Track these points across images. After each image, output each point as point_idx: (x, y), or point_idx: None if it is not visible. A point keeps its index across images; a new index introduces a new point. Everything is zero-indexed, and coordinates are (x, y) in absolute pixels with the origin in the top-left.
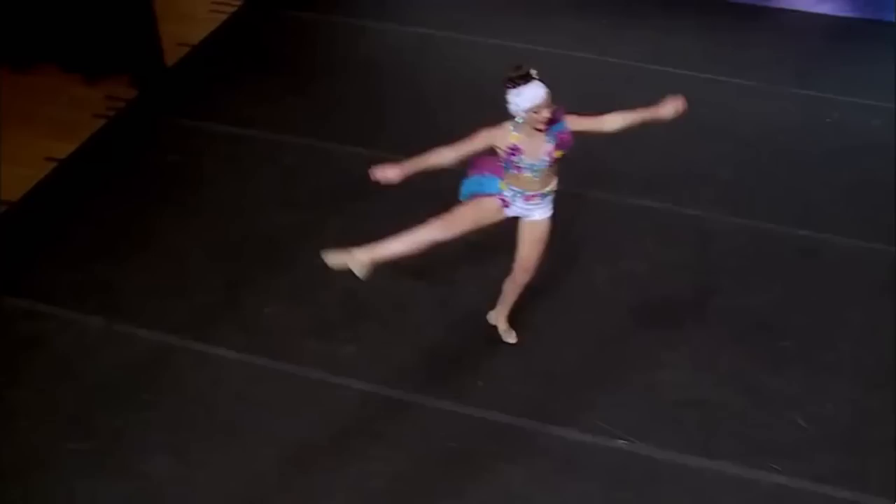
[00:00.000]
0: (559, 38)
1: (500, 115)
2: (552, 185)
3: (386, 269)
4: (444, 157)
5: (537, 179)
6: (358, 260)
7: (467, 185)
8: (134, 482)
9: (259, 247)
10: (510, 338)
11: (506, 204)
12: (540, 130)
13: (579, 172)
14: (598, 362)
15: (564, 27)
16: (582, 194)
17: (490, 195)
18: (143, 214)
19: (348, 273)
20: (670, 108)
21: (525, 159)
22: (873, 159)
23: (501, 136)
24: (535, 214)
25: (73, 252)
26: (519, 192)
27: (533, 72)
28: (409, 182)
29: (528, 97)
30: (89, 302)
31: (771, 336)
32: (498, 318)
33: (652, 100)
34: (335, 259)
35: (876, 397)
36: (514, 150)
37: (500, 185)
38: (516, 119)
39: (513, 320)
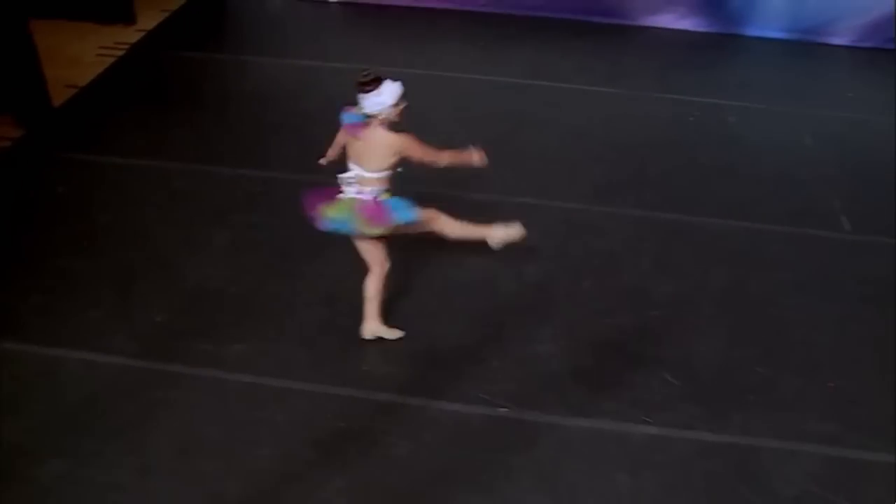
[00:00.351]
0: (436, 63)
1: None
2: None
3: (272, 274)
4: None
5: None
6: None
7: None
8: (26, 486)
9: (149, 263)
10: (394, 334)
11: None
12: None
13: (458, 176)
14: (477, 342)
15: (441, 52)
16: (459, 197)
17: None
18: (34, 242)
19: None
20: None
21: None
22: (731, 150)
23: (405, 140)
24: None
25: None
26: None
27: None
28: (292, 196)
29: (390, 93)
30: None
31: (641, 306)
32: (372, 326)
33: (528, 110)
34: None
35: (738, 353)
36: None
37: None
38: (380, 117)
39: (387, 320)
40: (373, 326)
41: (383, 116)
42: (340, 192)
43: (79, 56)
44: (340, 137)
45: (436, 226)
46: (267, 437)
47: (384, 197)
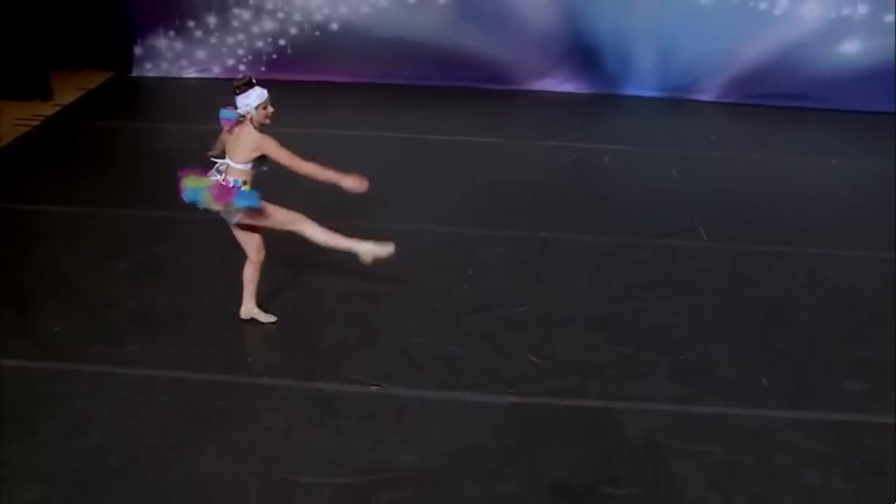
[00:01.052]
0: (331, 124)
1: None
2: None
3: (167, 291)
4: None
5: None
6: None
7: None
8: None
9: (52, 286)
10: (267, 318)
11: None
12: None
13: (349, 204)
14: (352, 333)
15: (337, 116)
16: (345, 221)
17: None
18: None
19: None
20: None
21: None
22: (604, 182)
23: (267, 139)
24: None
25: None
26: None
27: (252, 79)
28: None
29: (255, 96)
30: None
31: (508, 305)
32: (248, 308)
33: (417, 159)
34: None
35: (599, 337)
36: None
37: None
38: (249, 118)
39: (261, 305)
40: (248, 308)
41: (251, 116)
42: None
43: None
44: (223, 134)
45: (299, 227)
46: (153, 416)
47: (243, 187)
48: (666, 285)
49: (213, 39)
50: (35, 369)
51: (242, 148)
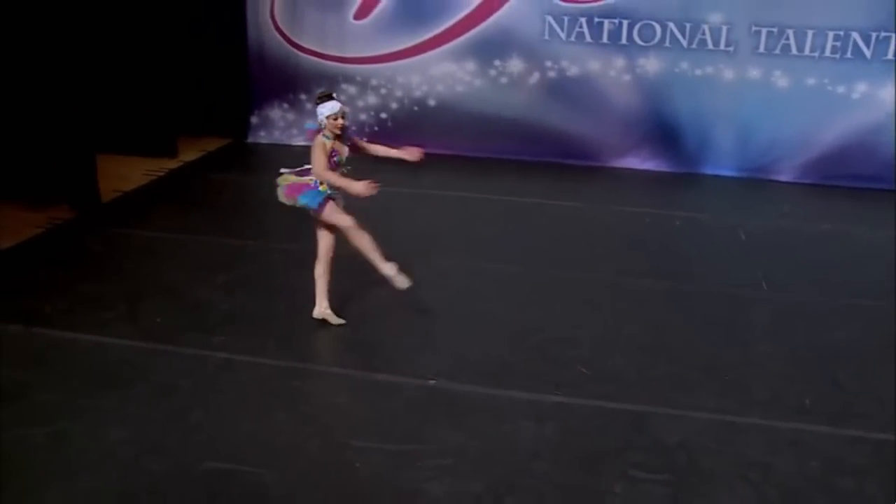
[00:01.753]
0: (427, 185)
1: None
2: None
3: (257, 296)
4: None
5: (346, 174)
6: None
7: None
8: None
9: (158, 289)
10: (337, 320)
11: (338, 203)
12: (338, 136)
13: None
14: (415, 339)
15: (432, 179)
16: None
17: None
18: (74, 277)
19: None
20: (413, 153)
21: (339, 157)
22: (675, 239)
23: (324, 145)
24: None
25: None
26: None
27: (334, 94)
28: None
29: (327, 108)
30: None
31: (566, 329)
32: (322, 309)
33: (498, 216)
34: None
35: (647, 357)
36: (334, 152)
37: (324, 192)
38: (322, 128)
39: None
40: (321, 309)
41: (323, 126)
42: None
43: (127, 175)
44: None
45: (351, 233)
46: (231, 389)
47: (319, 187)
48: (721, 321)
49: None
50: (135, 347)
51: (313, 154)
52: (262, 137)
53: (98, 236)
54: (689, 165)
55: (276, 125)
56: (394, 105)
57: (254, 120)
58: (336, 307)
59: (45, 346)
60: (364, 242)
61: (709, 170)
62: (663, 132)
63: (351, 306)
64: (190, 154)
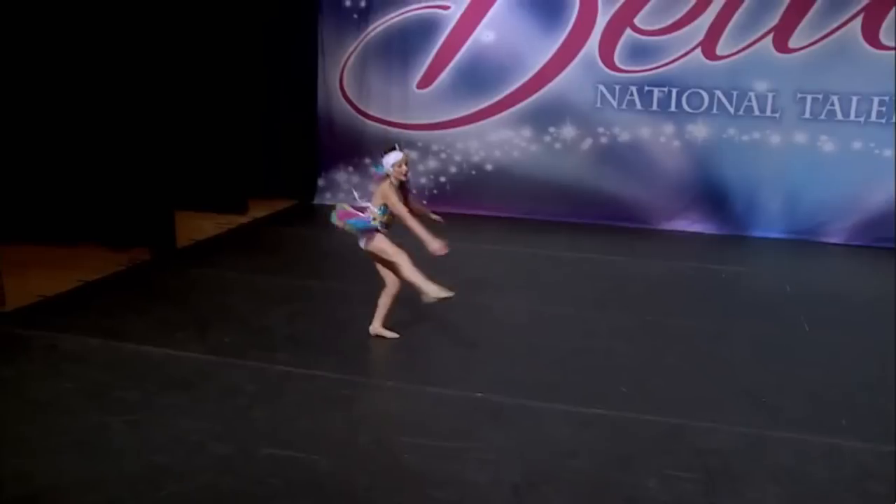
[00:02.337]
0: (483, 241)
1: None
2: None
3: (315, 324)
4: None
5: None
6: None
7: (357, 224)
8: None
9: (226, 316)
10: (391, 334)
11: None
12: (402, 183)
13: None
14: (466, 359)
15: (488, 236)
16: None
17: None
18: (148, 307)
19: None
20: (437, 245)
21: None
22: (715, 287)
23: (391, 191)
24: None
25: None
26: (380, 224)
27: (397, 146)
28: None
29: (392, 158)
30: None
31: (610, 357)
32: (374, 326)
33: (549, 267)
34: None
35: (687, 381)
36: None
37: (372, 223)
38: (388, 175)
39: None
40: (374, 326)
41: (388, 173)
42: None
43: (201, 227)
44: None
45: (396, 259)
46: (292, 394)
47: (372, 222)
48: (762, 354)
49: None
50: (204, 359)
51: (376, 195)
52: (328, 199)
53: (173, 274)
54: (737, 228)
55: (341, 187)
56: (453, 169)
57: (320, 182)
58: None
59: (123, 356)
60: (408, 267)
61: (757, 232)
62: (712, 196)
63: (407, 332)
64: (259, 212)
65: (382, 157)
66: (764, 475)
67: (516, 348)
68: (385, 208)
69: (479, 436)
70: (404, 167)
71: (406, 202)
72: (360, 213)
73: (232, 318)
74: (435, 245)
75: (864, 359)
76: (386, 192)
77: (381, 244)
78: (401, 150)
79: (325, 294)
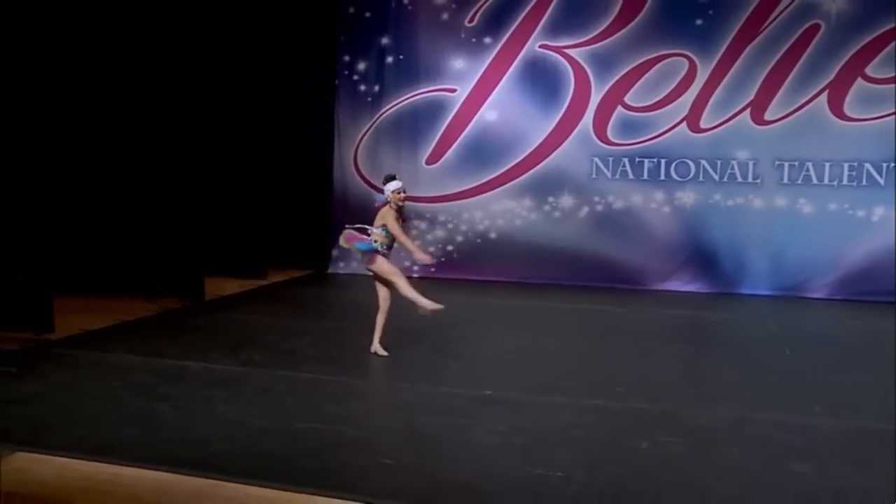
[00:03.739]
0: (488, 297)
1: None
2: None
3: (326, 347)
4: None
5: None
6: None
7: (361, 246)
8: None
9: (256, 345)
10: (384, 352)
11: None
12: (399, 209)
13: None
14: (474, 370)
15: (492, 296)
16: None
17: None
18: (178, 339)
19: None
20: (423, 257)
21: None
22: (705, 328)
23: (389, 213)
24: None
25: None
26: (381, 246)
27: (395, 175)
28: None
29: (391, 186)
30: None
31: (584, 376)
32: (374, 345)
33: (547, 317)
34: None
35: (670, 389)
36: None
37: (374, 245)
38: (388, 201)
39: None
40: (374, 345)
41: (389, 200)
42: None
43: (224, 286)
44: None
45: (394, 278)
46: (313, 391)
47: (374, 244)
48: (747, 367)
49: (395, 245)
50: (237, 370)
51: (377, 218)
52: (341, 268)
53: (201, 316)
54: (727, 286)
55: (354, 257)
56: (459, 238)
57: (334, 253)
58: (408, 344)
59: (164, 367)
60: (405, 285)
61: (746, 290)
62: (702, 257)
63: (422, 353)
64: (277, 278)
65: (383, 184)
66: (743, 441)
67: (518, 364)
68: (385, 229)
69: (487, 416)
70: (402, 194)
71: (405, 221)
72: (365, 237)
73: (259, 343)
74: (420, 255)
75: (835, 369)
76: (385, 215)
77: (383, 265)
78: (397, 178)
79: (341, 330)
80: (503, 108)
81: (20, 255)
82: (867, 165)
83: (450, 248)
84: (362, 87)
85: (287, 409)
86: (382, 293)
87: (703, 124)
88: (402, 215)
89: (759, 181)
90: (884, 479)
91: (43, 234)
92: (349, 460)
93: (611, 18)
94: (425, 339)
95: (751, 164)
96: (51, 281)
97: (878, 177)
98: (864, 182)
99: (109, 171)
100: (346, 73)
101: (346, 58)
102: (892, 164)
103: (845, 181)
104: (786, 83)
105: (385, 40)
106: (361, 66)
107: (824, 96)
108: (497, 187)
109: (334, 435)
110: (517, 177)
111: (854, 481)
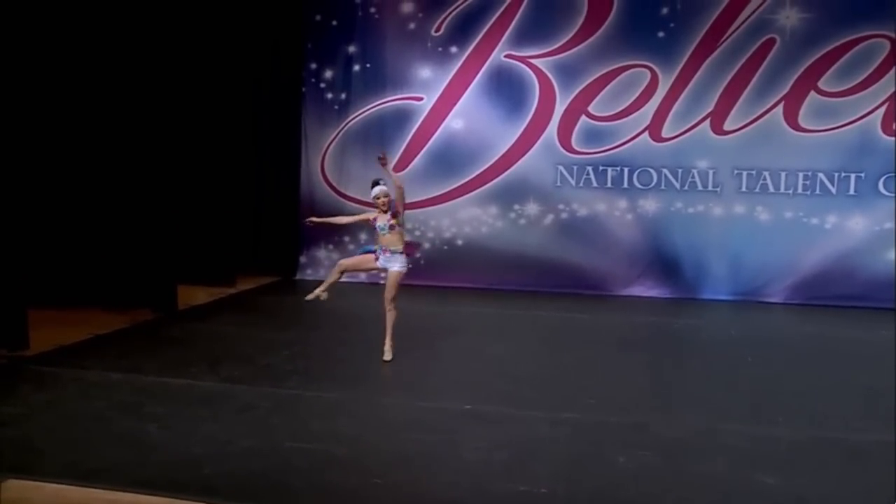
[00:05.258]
0: (455, 304)
1: None
2: (399, 246)
3: (306, 361)
4: (342, 220)
5: (387, 236)
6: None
7: (362, 249)
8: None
9: (235, 359)
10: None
11: (377, 257)
12: (383, 210)
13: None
14: (463, 385)
15: (463, 303)
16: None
17: (369, 252)
18: (164, 347)
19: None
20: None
21: (379, 224)
22: (670, 333)
23: (367, 215)
24: (394, 266)
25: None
26: (381, 248)
27: (381, 181)
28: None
29: (375, 191)
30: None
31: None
32: (385, 350)
33: (514, 324)
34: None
35: (643, 397)
36: (374, 220)
37: (375, 246)
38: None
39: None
40: (385, 350)
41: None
42: None
43: (194, 295)
44: None
45: (389, 306)
46: (302, 405)
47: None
48: (713, 375)
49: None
50: (219, 386)
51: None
52: (309, 275)
53: (175, 328)
54: (688, 292)
55: (322, 264)
56: (426, 245)
57: (302, 259)
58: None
59: (146, 385)
60: (392, 321)
61: (707, 295)
62: (663, 263)
63: (401, 364)
64: (246, 285)
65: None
66: (714, 451)
67: (493, 376)
68: (384, 226)
69: (469, 432)
70: (380, 199)
71: (395, 220)
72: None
73: (238, 358)
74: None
75: (797, 378)
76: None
77: (390, 289)
78: (382, 184)
79: (316, 341)
80: (469, 117)
81: None
82: (820, 175)
83: (417, 254)
84: (329, 95)
85: (273, 428)
86: (386, 302)
87: (664, 134)
88: (394, 212)
89: (718, 189)
90: (847, 487)
91: (15, 246)
92: (340, 481)
93: (575, 29)
94: (400, 351)
95: (711, 172)
96: (24, 295)
97: (830, 186)
98: (817, 191)
99: (76, 180)
100: (313, 80)
101: (313, 65)
102: (843, 174)
103: (800, 190)
104: (743, 95)
105: (352, 48)
106: (328, 73)
107: (780, 108)
108: (463, 195)
109: (323, 454)
110: (483, 184)
111: (816, 492)
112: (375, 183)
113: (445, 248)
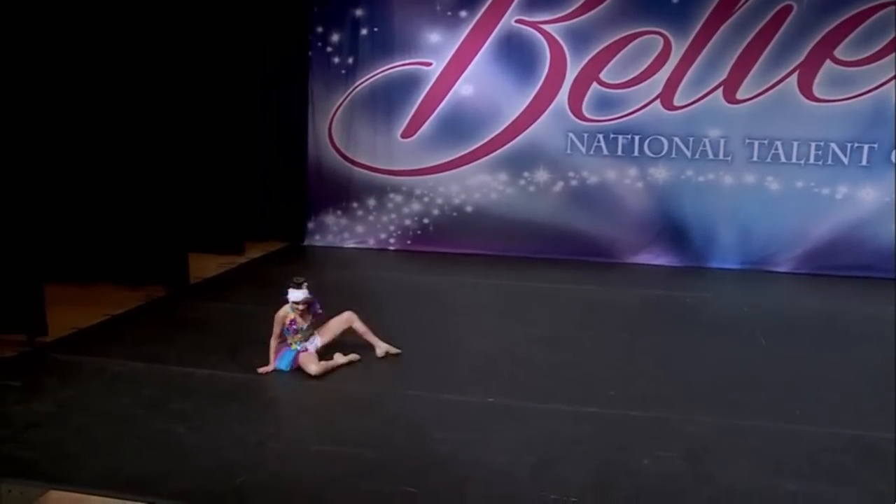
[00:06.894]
0: (463, 275)
1: None
2: (311, 329)
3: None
4: (273, 342)
5: (302, 336)
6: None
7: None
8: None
9: (220, 342)
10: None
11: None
12: (301, 314)
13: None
14: (480, 379)
15: (471, 272)
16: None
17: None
18: (161, 335)
19: None
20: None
21: (298, 326)
22: (682, 310)
23: (285, 316)
24: (310, 347)
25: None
26: (299, 345)
27: (303, 282)
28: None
29: (293, 296)
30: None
31: (581, 365)
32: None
33: (524, 296)
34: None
35: (651, 383)
36: (293, 322)
37: (293, 347)
38: (291, 304)
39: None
40: (378, 350)
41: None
42: None
43: (205, 266)
44: None
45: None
46: (303, 396)
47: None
48: (724, 360)
49: (370, 217)
50: (241, 377)
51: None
52: (317, 241)
53: (190, 307)
54: (697, 260)
55: (330, 230)
56: (435, 211)
57: (310, 225)
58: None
59: (167, 378)
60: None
61: (715, 263)
62: (673, 231)
63: (414, 353)
64: (255, 252)
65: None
66: (736, 453)
67: (510, 362)
68: (305, 328)
69: (496, 430)
70: (299, 307)
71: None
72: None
73: (256, 343)
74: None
75: (810, 363)
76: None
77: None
78: (303, 287)
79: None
80: (479, 83)
81: (6, 252)
82: (833, 145)
83: (426, 221)
84: (336, 60)
85: (300, 427)
86: (348, 328)
87: (676, 102)
88: (311, 318)
89: (729, 158)
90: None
91: (30, 228)
92: (375, 489)
93: None
94: (415, 334)
95: (722, 141)
96: (41, 278)
97: (842, 157)
98: (829, 161)
99: (82, 153)
100: (320, 44)
101: (320, 29)
102: (856, 144)
103: (812, 160)
104: (757, 63)
105: (359, 12)
106: (335, 37)
107: (794, 77)
108: (473, 161)
109: (354, 459)
110: (493, 151)
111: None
112: (297, 285)
113: (454, 214)
